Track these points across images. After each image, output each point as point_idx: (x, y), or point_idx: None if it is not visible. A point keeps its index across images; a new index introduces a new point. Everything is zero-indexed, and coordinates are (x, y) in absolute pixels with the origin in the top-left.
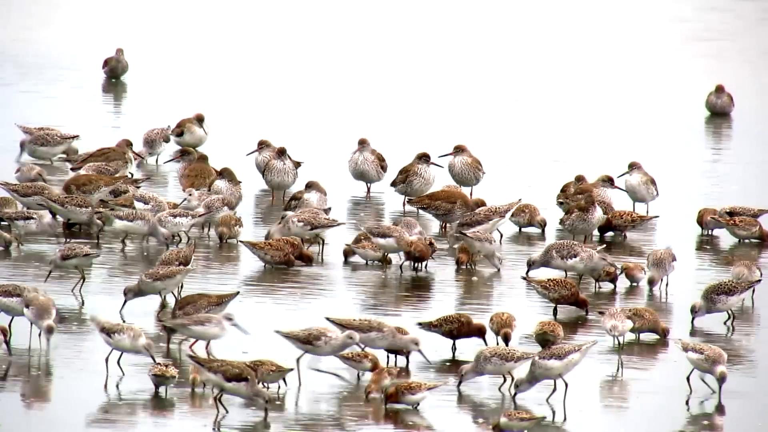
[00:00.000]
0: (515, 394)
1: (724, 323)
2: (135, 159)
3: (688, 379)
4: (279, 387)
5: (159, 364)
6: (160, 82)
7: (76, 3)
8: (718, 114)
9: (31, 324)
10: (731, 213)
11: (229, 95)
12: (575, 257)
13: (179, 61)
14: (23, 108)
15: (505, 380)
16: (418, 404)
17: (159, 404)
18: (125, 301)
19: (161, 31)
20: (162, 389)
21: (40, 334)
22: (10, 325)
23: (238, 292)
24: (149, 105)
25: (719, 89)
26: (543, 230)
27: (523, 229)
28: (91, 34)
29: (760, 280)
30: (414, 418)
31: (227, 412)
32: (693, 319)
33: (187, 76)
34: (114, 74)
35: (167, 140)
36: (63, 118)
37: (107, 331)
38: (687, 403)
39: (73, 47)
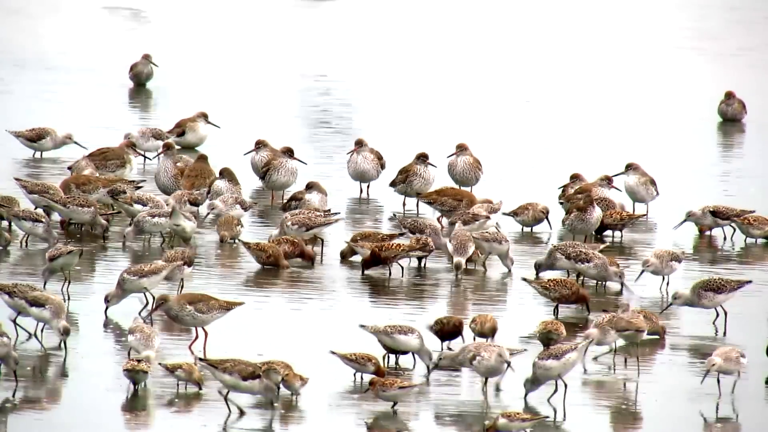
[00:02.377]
0: (525, 394)
1: (713, 323)
2: (135, 155)
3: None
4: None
5: (132, 359)
6: (183, 87)
7: (99, 10)
8: (730, 121)
9: (38, 323)
10: (714, 213)
11: (238, 95)
12: (588, 262)
13: (195, 66)
14: (47, 112)
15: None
16: (395, 403)
17: (157, 404)
18: (107, 308)
19: (182, 38)
20: (141, 386)
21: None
22: (15, 323)
23: (242, 303)
24: (174, 110)
25: (729, 95)
26: (547, 218)
27: (524, 228)
28: (116, 40)
29: (751, 281)
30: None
31: (231, 411)
32: (670, 305)
33: (205, 81)
34: (139, 80)
35: (158, 138)
36: (89, 123)
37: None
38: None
39: (100, 53)
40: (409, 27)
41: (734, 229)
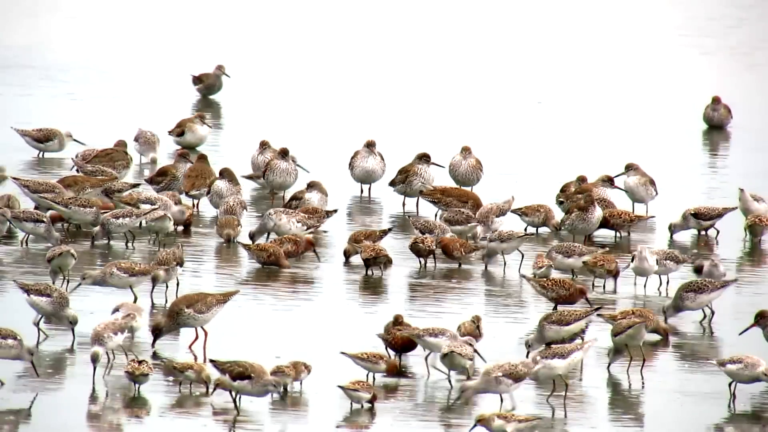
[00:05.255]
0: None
1: (700, 322)
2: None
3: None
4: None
5: (133, 361)
6: (251, 99)
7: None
8: (715, 126)
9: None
10: (696, 214)
11: (251, 98)
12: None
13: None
14: (115, 121)
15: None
16: (371, 403)
17: (158, 404)
18: (78, 285)
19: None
20: (138, 387)
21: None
22: (38, 326)
23: (237, 291)
24: (244, 122)
25: (716, 101)
26: (558, 232)
27: (527, 228)
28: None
29: (736, 280)
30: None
31: (239, 413)
32: (665, 320)
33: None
34: (210, 91)
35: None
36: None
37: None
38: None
39: (163, 62)
40: (421, 27)
41: (718, 231)
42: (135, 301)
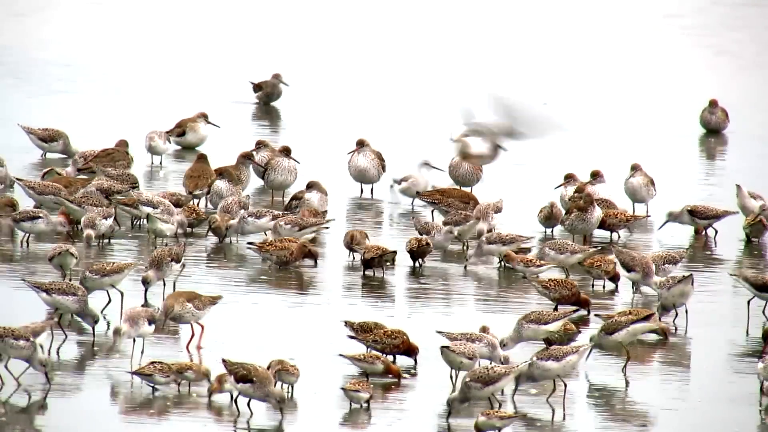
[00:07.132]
0: (514, 392)
1: (672, 321)
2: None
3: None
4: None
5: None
6: (313, 108)
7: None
8: (713, 131)
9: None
10: (692, 212)
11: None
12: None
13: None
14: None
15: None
16: (367, 403)
17: (157, 405)
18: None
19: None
20: (153, 388)
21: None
22: (59, 323)
23: (221, 296)
24: (307, 130)
25: (713, 104)
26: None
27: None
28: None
29: (691, 275)
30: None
31: (239, 413)
32: (659, 318)
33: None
34: (269, 99)
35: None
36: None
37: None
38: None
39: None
40: (424, 27)
41: (716, 231)
42: (122, 298)
